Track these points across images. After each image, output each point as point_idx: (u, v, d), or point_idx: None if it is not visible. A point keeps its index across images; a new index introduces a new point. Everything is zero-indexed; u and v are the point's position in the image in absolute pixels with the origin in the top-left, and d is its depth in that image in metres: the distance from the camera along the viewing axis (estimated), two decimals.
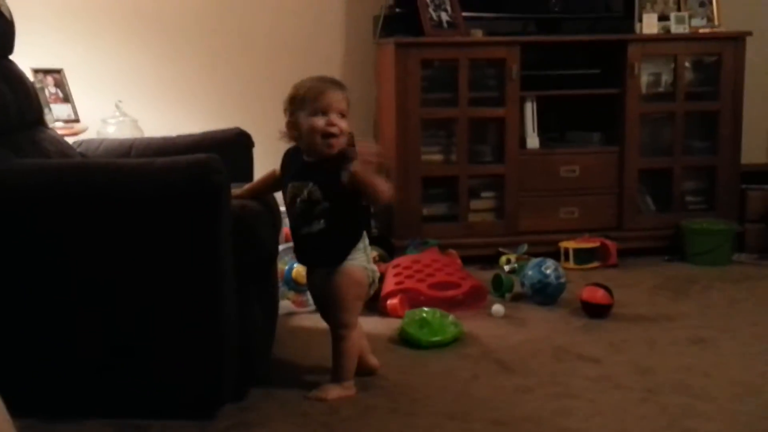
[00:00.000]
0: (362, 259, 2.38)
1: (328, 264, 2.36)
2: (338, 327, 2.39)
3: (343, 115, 2.28)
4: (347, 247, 2.35)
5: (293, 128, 2.31)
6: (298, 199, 2.31)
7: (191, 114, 4.07)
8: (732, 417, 2.25)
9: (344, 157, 2.27)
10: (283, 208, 3.01)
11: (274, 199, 2.69)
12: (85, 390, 2.23)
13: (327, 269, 2.36)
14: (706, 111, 4.16)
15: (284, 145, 2.42)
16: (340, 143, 2.28)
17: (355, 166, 2.23)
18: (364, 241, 2.40)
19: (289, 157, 2.41)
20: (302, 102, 2.27)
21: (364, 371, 2.52)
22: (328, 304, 2.39)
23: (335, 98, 2.27)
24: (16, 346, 2.19)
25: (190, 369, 2.20)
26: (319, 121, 2.25)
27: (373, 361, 2.56)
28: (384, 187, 2.28)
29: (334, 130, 2.26)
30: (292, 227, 2.39)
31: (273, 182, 2.49)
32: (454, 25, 3.97)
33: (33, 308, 2.17)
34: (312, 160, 2.31)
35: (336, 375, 2.41)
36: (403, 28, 3.95)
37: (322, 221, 2.29)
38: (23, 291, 2.17)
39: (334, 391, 2.38)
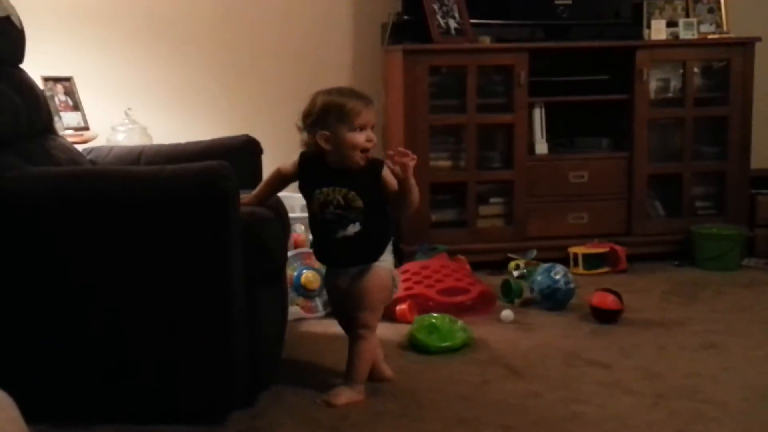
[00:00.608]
0: (390, 261, 2.45)
1: (364, 261, 2.40)
2: (360, 327, 2.41)
3: (373, 128, 2.36)
4: (383, 244, 2.42)
5: (329, 141, 2.33)
6: (331, 206, 2.35)
7: (200, 121, 4.09)
8: (742, 422, 2.24)
9: (373, 161, 2.36)
10: (293, 215, 3.04)
11: (283, 206, 2.69)
12: (94, 396, 2.23)
13: (359, 268, 2.40)
14: (715, 116, 4.15)
15: (292, 151, 2.44)
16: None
17: (409, 177, 2.31)
18: (390, 244, 2.46)
19: (306, 164, 2.42)
20: (343, 117, 2.30)
21: (377, 379, 2.53)
22: (353, 304, 2.41)
23: (372, 114, 2.34)
24: (25, 352, 2.20)
25: (199, 375, 2.20)
26: (360, 137, 2.31)
27: (387, 371, 2.57)
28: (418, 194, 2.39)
29: (371, 146, 2.34)
30: (321, 232, 2.41)
31: (279, 182, 2.52)
32: (462, 32, 3.98)
33: (43, 314, 2.18)
34: (342, 168, 2.35)
35: (350, 376, 2.42)
36: (411, 36, 3.96)
37: (357, 224, 2.35)
38: (34, 297, 2.18)
39: (343, 396, 2.39)
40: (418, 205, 2.42)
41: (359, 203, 2.34)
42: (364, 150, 2.33)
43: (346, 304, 2.45)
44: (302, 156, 2.43)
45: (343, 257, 2.43)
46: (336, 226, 2.37)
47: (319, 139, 2.33)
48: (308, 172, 2.42)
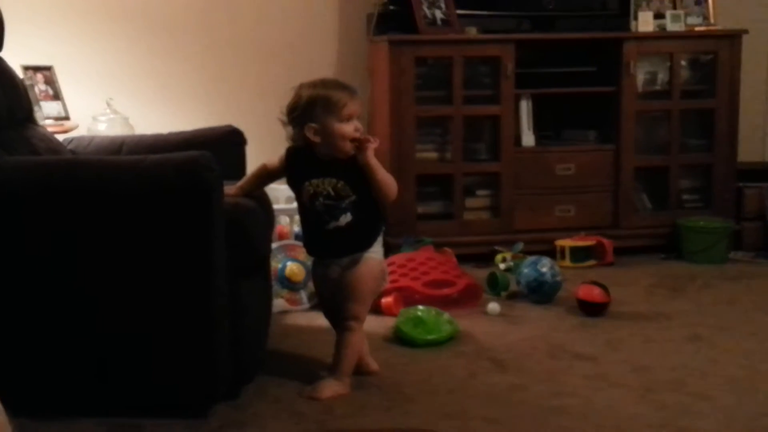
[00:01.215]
0: (380, 252, 2.45)
1: (356, 250, 2.39)
2: (349, 318, 2.40)
3: (358, 118, 2.36)
4: (375, 234, 2.42)
5: (318, 133, 2.32)
6: (321, 197, 2.35)
7: (183, 111, 4.05)
8: (729, 415, 2.23)
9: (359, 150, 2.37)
10: (278, 206, 3.02)
11: (267, 197, 2.67)
12: (77, 389, 2.21)
13: (350, 258, 2.39)
14: (702, 109, 4.15)
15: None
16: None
17: (368, 157, 2.32)
18: (381, 236, 2.46)
19: (292, 158, 2.42)
20: (330, 108, 2.30)
21: (363, 373, 2.52)
22: (344, 294, 2.40)
23: (358, 105, 2.35)
24: (5, 346, 2.17)
25: (182, 368, 2.18)
26: (349, 128, 2.32)
27: (373, 364, 2.56)
28: (392, 180, 2.40)
29: (359, 135, 2.33)
30: (312, 224, 2.41)
31: (266, 178, 2.51)
32: (448, 22, 3.95)
33: (22, 306, 2.15)
34: (330, 159, 2.34)
35: (336, 368, 2.41)
36: (397, 26, 3.94)
37: (348, 214, 2.35)
38: (12, 289, 2.14)
39: (329, 389, 2.37)
40: (394, 192, 2.40)
41: (349, 193, 2.34)
42: (354, 140, 2.32)
43: (335, 295, 2.43)
44: (289, 150, 2.43)
45: (334, 248, 2.41)
46: (327, 217, 2.36)
47: (307, 132, 2.32)
48: (296, 165, 2.41)
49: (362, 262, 2.39)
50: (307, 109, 2.32)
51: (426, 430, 2.15)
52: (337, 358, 2.41)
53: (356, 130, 2.33)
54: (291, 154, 2.42)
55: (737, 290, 3.48)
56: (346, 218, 2.35)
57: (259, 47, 4.18)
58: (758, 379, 2.49)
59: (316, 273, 2.52)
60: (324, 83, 2.37)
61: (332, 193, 2.34)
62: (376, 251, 2.43)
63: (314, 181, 2.36)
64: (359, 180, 2.34)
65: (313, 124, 2.31)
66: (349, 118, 2.32)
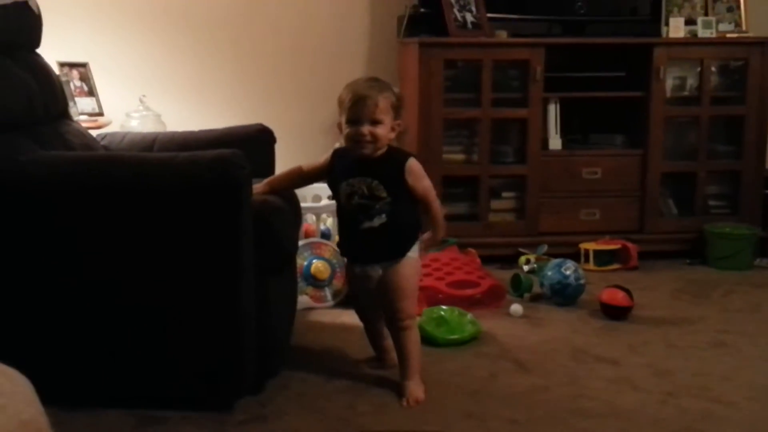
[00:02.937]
0: (416, 251, 2.45)
1: (390, 258, 2.40)
2: (405, 318, 2.41)
3: (377, 122, 2.32)
4: (410, 240, 2.42)
5: (340, 129, 2.38)
6: (356, 196, 2.36)
7: (214, 109, 4.10)
8: (751, 422, 2.24)
9: (398, 153, 2.39)
10: (304, 204, 3.05)
11: (295, 195, 2.70)
12: (105, 381, 2.25)
13: (385, 264, 2.40)
14: (732, 116, 4.13)
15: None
16: (376, 146, 2.34)
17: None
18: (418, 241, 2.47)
19: (337, 158, 2.45)
20: (343, 108, 2.35)
21: (385, 367, 2.57)
22: (392, 296, 2.40)
23: (367, 109, 2.31)
24: (37, 337, 2.21)
25: (209, 361, 2.21)
26: (352, 130, 2.32)
27: (396, 359, 2.54)
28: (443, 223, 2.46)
29: (365, 138, 2.32)
30: (347, 223, 2.43)
31: (298, 178, 2.53)
32: (478, 25, 3.97)
33: (54, 299, 2.20)
34: (365, 158, 2.36)
35: (410, 369, 2.42)
36: (428, 28, 3.95)
37: (383, 215, 2.36)
38: (46, 281, 2.19)
39: (416, 391, 2.39)
40: (442, 220, 2.46)
41: (383, 193, 2.34)
42: (358, 142, 2.32)
43: (381, 296, 2.42)
44: (335, 151, 2.47)
45: (367, 250, 2.41)
46: (362, 216, 2.37)
47: (338, 126, 2.39)
48: (338, 165, 2.44)
49: (405, 261, 2.40)
50: (339, 106, 2.37)
51: None
52: (408, 359, 2.42)
53: (358, 133, 2.31)
54: (336, 155, 2.45)
55: (762, 297, 3.46)
56: (380, 219, 2.35)
57: (290, 48, 4.21)
58: None
59: (352, 272, 2.50)
60: (356, 81, 2.40)
61: (366, 192, 2.35)
62: (414, 251, 2.43)
63: (351, 180, 2.37)
64: (393, 181, 2.35)
65: (339, 121, 2.37)
66: (355, 121, 2.32)
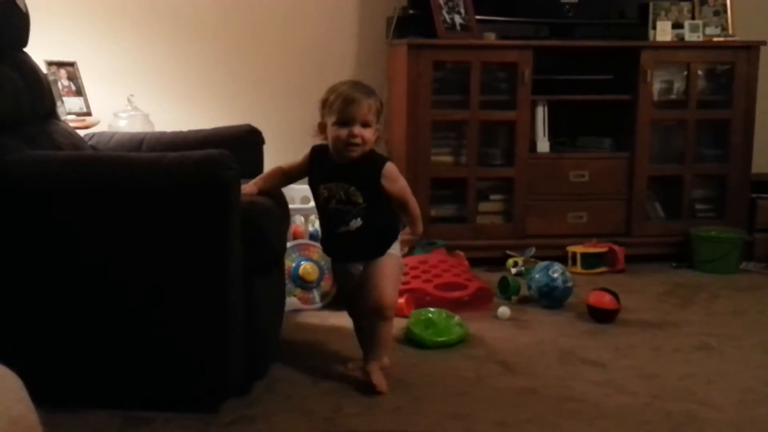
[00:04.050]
0: (397, 248, 2.49)
1: (369, 257, 2.44)
2: (386, 308, 2.44)
3: (367, 125, 2.35)
4: (387, 240, 2.46)
5: (322, 130, 2.41)
6: (334, 200, 2.39)
7: (202, 110, 4.09)
8: (736, 425, 2.25)
9: (376, 158, 2.41)
10: (293, 206, 3.05)
11: (283, 197, 2.70)
12: (91, 381, 2.24)
13: (367, 261, 2.45)
14: (718, 119, 4.15)
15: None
16: (363, 149, 2.37)
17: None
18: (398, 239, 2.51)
19: (316, 157, 2.46)
20: (330, 109, 2.36)
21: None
22: (374, 288, 2.42)
23: (360, 111, 2.34)
24: (23, 337, 2.20)
25: (195, 362, 2.21)
26: (343, 132, 2.34)
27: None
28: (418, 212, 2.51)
29: (356, 141, 2.34)
30: (326, 226, 2.47)
31: (281, 178, 2.55)
32: (467, 27, 3.98)
33: (40, 300, 2.19)
34: (343, 163, 2.38)
35: (377, 354, 2.48)
36: (416, 30, 3.96)
37: (359, 219, 2.39)
38: (31, 281, 2.18)
39: (378, 373, 2.45)
40: (419, 215, 2.51)
41: (359, 199, 2.37)
42: (349, 145, 2.34)
43: (363, 290, 2.46)
44: (313, 149, 2.47)
45: (346, 251, 2.47)
46: (338, 220, 2.41)
47: (318, 126, 2.41)
48: (315, 166, 2.45)
49: (383, 258, 2.44)
50: (321, 107, 2.39)
51: None
52: (379, 346, 2.47)
53: (351, 135, 2.33)
54: (315, 153, 2.46)
55: (747, 301, 3.48)
56: (356, 223, 2.39)
57: (278, 49, 4.21)
58: (766, 388, 2.50)
59: (337, 269, 2.57)
60: (342, 83, 2.41)
61: (344, 197, 2.38)
62: (394, 248, 2.47)
63: (329, 185, 2.40)
64: (370, 186, 2.38)
65: (322, 121, 2.40)
66: (344, 123, 2.33)
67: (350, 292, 2.54)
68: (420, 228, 2.52)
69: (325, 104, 2.38)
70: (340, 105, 2.33)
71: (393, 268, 2.46)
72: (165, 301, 2.17)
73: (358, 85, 2.41)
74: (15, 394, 0.84)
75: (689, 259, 4.02)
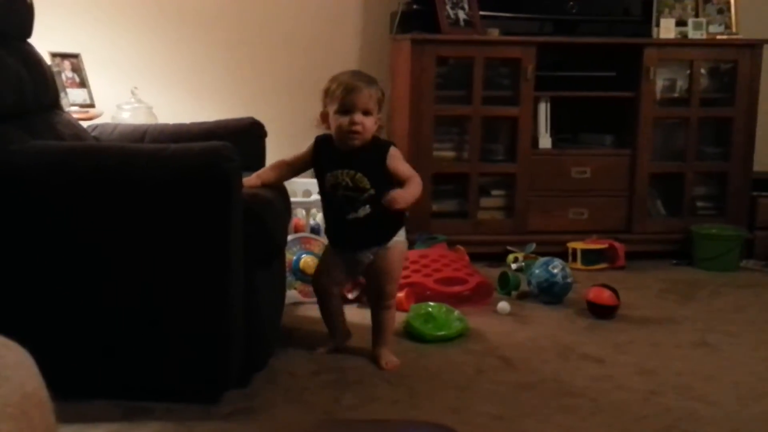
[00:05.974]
0: (403, 235, 2.56)
1: (376, 243, 2.51)
2: (389, 298, 2.58)
3: (368, 113, 2.40)
4: (394, 227, 2.52)
5: (325, 120, 2.46)
6: (341, 188, 2.44)
7: (205, 102, 4.10)
8: (734, 421, 2.25)
9: (380, 143, 2.48)
10: (294, 199, 3.05)
11: (285, 190, 2.71)
12: (92, 371, 2.24)
13: (374, 250, 2.51)
14: (720, 117, 4.15)
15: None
16: (364, 137, 2.42)
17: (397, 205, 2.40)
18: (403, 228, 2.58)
19: (320, 147, 2.50)
20: (332, 97, 2.41)
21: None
22: (382, 278, 2.54)
23: (361, 99, 2.39)
24: (24, 326, 2.20)
25: (195, 353, 2.21)
26: (344, 120, 2.39)
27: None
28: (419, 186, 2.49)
29: (357, 128, 2.39)
30: (334, 214, 2.52)
31: (285, 170, 2.58)
32: (470, 23, 3.98)
33: (41, 290, 2.19)
34: (348, 151, 2.43)
35: (385, 340, 2.59)
36: (420, 25, 3.96)
37: (367, 206, 2.44)
38: (33, 271, 2.19)
39: (392, 357, 2.57)
40: (420, 196, 2.51)
41: (367, 185, 2.42)
42: (351, 132, 2.39)
43: (370, 279, 2.57)
44: (317, 139, 2.52)
45: (355, 239, 2.51)
46: (347, 207, 2.46)
47: (321, 115, 2.46)
48: (321, 154, 2.49)
49: (392, 247, 2.52)
50: (323, 96, 2.44)
51: (436, 423, 2.18)
52: (386, 333, 2.60)
53: (352, 123, 2.38)
54: (319, 143, 2.51)
55: (747, 298, 3.49)
56: (364, 210, 2.44)
57: (282, 42, 4.22)
58: (764, 385, 2.51)
59: (345, 258, 2.59)
60: (343, 73, 2.47)
61: (350, 184, 2.42)
62: (400, 234, 2.54)
63: (336, 172, 2.44)
64: (376, 172, 2.42)
65: (324, 110, 2.44)
66: (348, 111, 2.38)
67: (339, 273, 2.61)
68: (413, 190, 2.43)
69: (326, 93, 2.43)
70: (342, 93, 2.37)
71: (399, 263, 2.58)
72: (166, 291, 2.18)
73: (359, 74, 2.47)
74: (28, 370, 0.85)
75: (690, 257, 4.02)
